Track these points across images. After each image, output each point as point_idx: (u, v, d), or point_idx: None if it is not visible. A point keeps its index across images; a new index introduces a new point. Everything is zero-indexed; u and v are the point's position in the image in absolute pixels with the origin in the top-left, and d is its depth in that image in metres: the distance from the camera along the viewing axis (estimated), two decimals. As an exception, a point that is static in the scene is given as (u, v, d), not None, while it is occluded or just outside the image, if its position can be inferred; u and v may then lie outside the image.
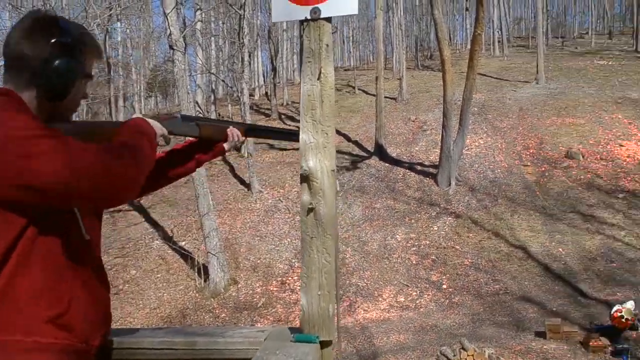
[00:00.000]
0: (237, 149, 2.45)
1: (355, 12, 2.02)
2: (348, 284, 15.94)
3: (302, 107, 2.00)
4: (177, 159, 2.28)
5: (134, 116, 1.96)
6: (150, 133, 1.90)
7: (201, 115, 26.49)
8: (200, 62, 30.08)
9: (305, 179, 1.96)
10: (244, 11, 23.20)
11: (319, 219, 1.93)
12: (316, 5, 1.96)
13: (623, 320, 11.04)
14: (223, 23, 39.66)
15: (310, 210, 1.91)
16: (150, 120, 1.97)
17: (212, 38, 38.60)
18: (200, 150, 2.29)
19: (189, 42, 28.96)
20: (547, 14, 58.90)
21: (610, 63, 40.41)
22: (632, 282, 14.08)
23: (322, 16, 2.02)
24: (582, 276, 14.95)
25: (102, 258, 1.91)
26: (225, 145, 2.28)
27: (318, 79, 1.92)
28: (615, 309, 11.29)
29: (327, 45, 2.00)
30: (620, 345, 10.80)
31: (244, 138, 2.29)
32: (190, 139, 2.27)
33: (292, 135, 2.30)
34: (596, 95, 30.09)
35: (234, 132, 2.25)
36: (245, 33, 24.02)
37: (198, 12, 27.61)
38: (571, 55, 46.28)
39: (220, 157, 26.45)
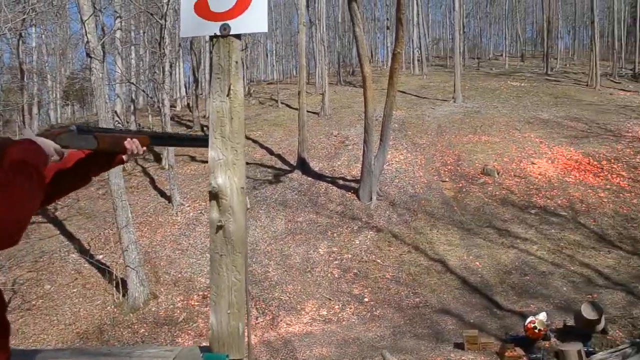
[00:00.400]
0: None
1: (265, 30, 2.01)
2: (270, 298, 15.83)
3: (211, 123, 1.97)
4: (73, 172, 2.11)
5: (24, 135, 1.78)
6: (35, 163, 1.66)
7: (120, 126, 25.82)
8: (120, 71, 29.31)
9: (214, 196, 1.92)
10: (165, 21, 22.81)
11: (228, 237, 1.88)
12: (226, 22, 1.92)
13: (536, 330, 11.48)
14: (144, 32, 38.87)
15: (220, 227, 1.87)
16: (41, 140, 1.81)
17: (133, 47, 37.74)
18: (97, 162, 2.14)
19: (108, 51, 28.18)
20: (464, 35, 61.18)
21: (522, 84, 42.35)
22: (545, 294, 14.69)
23: (231, 33, 1.97)
24: (497, 289, 15.45)
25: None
26: (125, 157, 2.14)
27: (227, 95, 1.90)
28: (528, 320, 11.73)
29: (237, 62, 1.97)
30: (534, 355, 11.22)
31: (144, 149, 2.16)
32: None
33: (199, 141, 2.19)
34: (509, 114, 31.43)
35: (132, 144, 2.10)
36: (167, 43, 23.62)
37: (117, 20, 26.93)
38: (486, 76, 48.20)
39: (140, 169, 25.81)
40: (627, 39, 65.02)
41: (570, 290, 14.80)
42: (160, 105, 24.57)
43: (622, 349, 11.07)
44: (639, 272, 15.71)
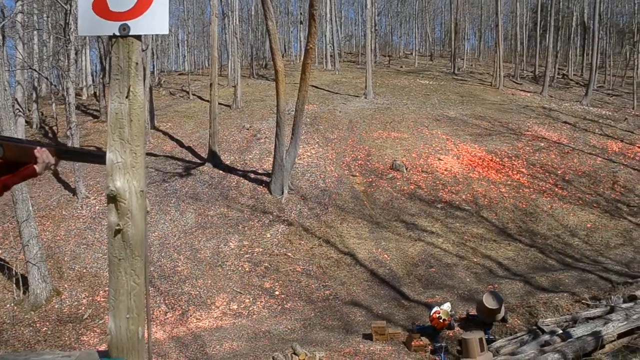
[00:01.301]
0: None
1: (166, 32, 1.95)
2: (180, 293, 15.55)
3: (109, 125, 1.89)
4: None
5: None
6: None
7: (21, 114, 24.49)
8: (21, 57, 27.78)
9: (112, 199, 1.85)
10: (71, 6, 21.75)
11: (127, 241, 1.82)
12: (125, 22, 1.83)
13: (441, 320, 11.90)
14: (47, 17, 37.03)
15: (118, 231, 1.81)
16: None
17: (35, 32, 35.86)
18: (4, 172, 2.02)
19: (8, 34, 26.65)
20: (376, 33, 62.23)
21: (431, 83, 43.66)
22: (449, 285, 15.24)
23: (131, 33, 1.89)
24: (405, 280, 15.88)
25: None
26: (37, 167, 2.04)
27: (127, 97, 1.82)
28: (433, 310, 12.14)
29: (137, 63, 1.89)
30: (438, 344, 11.62)
31: (54, 159, 2.05)
32: None
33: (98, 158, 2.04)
34: (418, 111, 32.32)
35: (43, 154, 2.01)
36: (72, 29, 22.53)
37: (19, 3, 25.45)
38: (397, 74, 49.30)
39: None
40: (528, 42, 68.33)
41: (473, 281, 15.44)
42: (65, 93, 23.49)
43: (520, 336, 11.68)
44: (536, 263, 16.62)
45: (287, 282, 16.00)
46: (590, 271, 15.18)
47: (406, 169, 23.42)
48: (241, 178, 22.19)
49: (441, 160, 24.65)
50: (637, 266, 15.77)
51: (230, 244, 17.90)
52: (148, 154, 25.28)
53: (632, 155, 26.17)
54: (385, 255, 17.22)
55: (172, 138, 27.42)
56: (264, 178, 21.82)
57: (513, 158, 25.30)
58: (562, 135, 29.09)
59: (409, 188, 21.83)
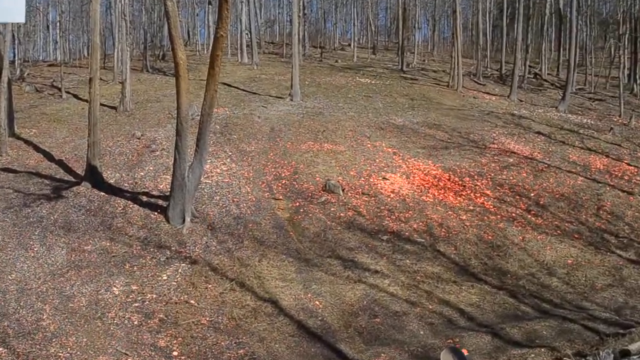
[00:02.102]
0: None
1: (22, 20, 1.79)
2: (45, 355, 14.90)
3: None
4: None
5: None
6: None
7: None
8: None
9: None
10: None
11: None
12: None
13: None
14: None
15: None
16: None
17: None
18: None
19: None
20: (305, 18, 62.76)
21: (373, 82, 44.30)
22: (398, 340, 15.20)
23: None
24: (342, 334, 15.77)
25: None
26: None
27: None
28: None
29: None
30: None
31: None
32: None
33: None
34: (358, 118, 32.63)
35: None
36: None
37: None
38: (331, 70, 49.79)
39: None
40: (493, 33, 70.47)
41: (428, 334, 15.48)
42: None
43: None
44: (507, 310, 16.86)
45: (188, 339, 15.62)
46: (572, 320, 15.49)
47: (343, 190, 23.48)
48: (130, 202, 21.69)
49: (387, 179, 24.86)
50: (630, 313, 16.23)
51: (114, 289, 17.37)
52: (4, 170, 24.40)
53: (619, 174, 27.22)
54: (317, 302, 17.10)
55: (37, 149, 26.57)
56: (160, 202, 21.40)
57: (476, 177, 25.82)
58: (535, 148, 29.98)
59: (347, 215, 21.88)
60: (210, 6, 59.86)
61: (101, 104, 25.94)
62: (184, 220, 20.11)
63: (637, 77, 50.13)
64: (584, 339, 14.19)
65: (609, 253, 20.41)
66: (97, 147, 23.54)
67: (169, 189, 20.83)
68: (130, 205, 21.53)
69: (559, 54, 60.86)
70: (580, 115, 38.70)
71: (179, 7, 67.22)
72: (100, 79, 26.28)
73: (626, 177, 26.86)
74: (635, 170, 27.83)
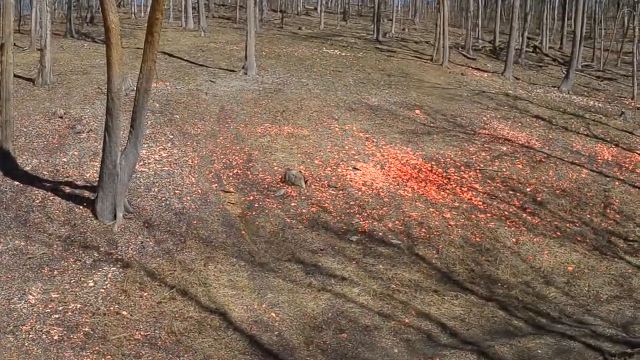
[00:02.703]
0: None
1: None
2: (-58, 380, 14.87)
3: None
4: None
5: None
6: None
7: None
8: None
9: None
10: None
11: None
12: None
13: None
14: None
15: None
16: None
17: None
18: None
19: None
20: (263, -25, 62.62)
21: (343, 54, 44.46)
22: (368, 359, 15.38)
23: None
24: (302, 352, 15.89)
25: None
26: None
27: None
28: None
29: None
30: None
31: None
32: None
33: None
34: (324, 96, 32.75)
35: None
36: None
37: None
38: (293, 39, 49.82)
39: None
40: (485, -1, 70.97)
41: (404, 352, 15.67)
42: None
43: None
44: (496, 324, 17.08)
45: (119, 357, 15.65)
46: (573, 337, 15.73)
47: (306, 182, 23.60)
48: (49, 193, 21.55)
49: (357, 170, 25.02)
50: (639, 329, 16.51)
51: (30, 297, 17.32)
52: None
53: (631, 166, 27.70)
54: (273, 314, 17.22)
55: None
56: (86, 194, 21.30)
57: (462, 168, 26.11)
58: (533, 135, 30.37)
59: (310, 211, 21.99)
60: (148, -41, 59.51)
61: (15, 75, 25.73)
62: (115, 216, 20.02)
63: (654, 52, 50.89)
64: (585, 359, 14.45)
65: (616, 259, 20.70)
66: (9, 127, 23.31)
67: (97, 178, 20.73)
68: (51, 198, 21.38)
69: (563, 23, 61.61)
70: (587, 97, 39.27)
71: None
72: (15, 44, 26.08)
73: (638, 171, 27.33)
74: (649, 162, 28.34)
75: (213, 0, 68.70)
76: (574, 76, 41.42)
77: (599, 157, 28.39)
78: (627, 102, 38.57)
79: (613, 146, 29.87)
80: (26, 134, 25.65)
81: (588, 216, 23.36)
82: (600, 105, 37.30)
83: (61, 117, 27.55)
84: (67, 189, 21.83)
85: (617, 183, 25.88)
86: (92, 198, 20.71)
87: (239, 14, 59.62)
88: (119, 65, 19.78)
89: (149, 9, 21.45)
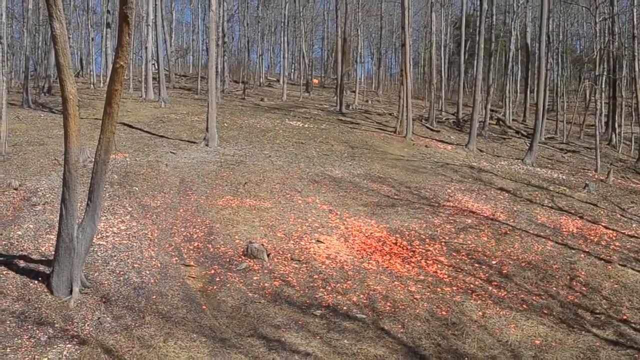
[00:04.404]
0: None
1: None
2: None
3: None
4: None
5: None
6: None
7: None
8: None
9: None
10: None
11: None
12: None
13: None
14: None
15: None
16: None
17: None
18: None
19: None
20: (225, 47, 63.32)
21: (306, 126, 44.83)
22: None
23: None
24: None
25: None
26: None
27: None
28: None
29: None
30: None
31: None
32: None
33: None
34: (287, 168, 32.91)
35: None
36: None
37: None
38: (255, 110, 50.20)
39: None
40: (449, 70, 72.27)
41: None
42: None
43: None
44: (462, 401, 17.08)
45: None
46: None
47: (268, 255, 23.56)
48: (3, 267, 21.29)
49: (321, 242, 25.03)
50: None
51: (-20, 376, 17.01)
52: None
53: (596, 239, 28.00)
54: (235, 392, 17.05)
55: None
56: (42, 268, 21.08)
57: (427, 241, 26.22)
58: (498, 208, 30.66)
59: (273, 285, 21.91)
60: (108, 29, 59.98)
61: (-30, 147, 25.60)
62: (71, 291, 19.78)
63: (616, 125, 51.89)
64: None
65: (583, 332, 20.80)
66: (-37, 199, 23.19)
67: (53, 252, 20.54)
68: (4, 272, 21.12)
69: (525, 96, 62.76)
70: (550, 169, 39.81)
71: (70, 30, 67.07)
72: (-30, 115, 25.98)
73: (603, 243, 27.64)
74: (614, 234, 28.67)
75: (174, 71, 69.13)
76: (538, 148, 42.08)
77: (564, 230, 28.69)
78: (590, 175, 39.19)
79: (578, 218, 30.23)
80: (-20, 207, 25.44)
81: (554, 289, 23.50)
82: (564, 177, 37.84)
83: (16, 189, 27.39)
84: (22, 263, 21.59)
85: (582, 255, 26.12)
86: (48, 272, 20.48)
87: (200, 84, 60.05)
88: (76, 137, 19.72)
89: (108, 80, 21.50)
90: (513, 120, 58.93)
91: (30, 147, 33.47)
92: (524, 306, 22.03)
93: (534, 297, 22.69)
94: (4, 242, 23.07)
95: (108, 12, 60.26)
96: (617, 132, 51.58)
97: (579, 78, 67.50)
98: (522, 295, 22.77)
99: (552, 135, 53.12)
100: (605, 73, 51.81)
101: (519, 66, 70.64)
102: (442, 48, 64.73)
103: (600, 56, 49.89)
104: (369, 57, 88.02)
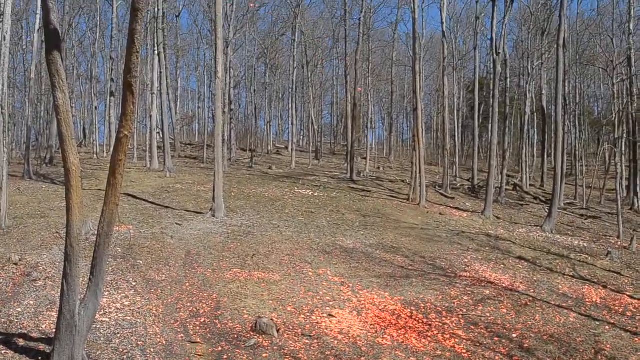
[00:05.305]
0: None
1: None
2: None
3: None
4: None
5: None
6: None
7: None
8: None
9: None
10: None
11: None
12: None
13: None
14: None
15: None
16: None
17: None
18: None
19: None
20: (231, 114, 63.75)
21: (316, 194, 44.82)
22: None
23: None
24: None
25: None
26: None
27: None
28: None
29: None
30: None
31: None
32: None
33: None
34: (297, 239, 32.81)
35: None
36: None
37: None
38: (263, 178, 50.29)
39: None
40: (462, 135, 72.44)
41: None
42: None
43: None
44: None
45: None
46: None
47: (278, 331, 23.35)
48: (2, 346, 21.15)
49: (333, 317, 24.82)
50: None
51: None
52: None
53: (621, 309, 27.67)
54: None
55: None
56: (42, 347, 20.93)
57: (444, 313, 25.97)
58: (517, 277, 30.42)
59: (283, 363, 21.70)
60: (112, 98, 60.52)
61: (-31, 221, 25.60)
62: (73, 371, 19.64)
63: (638, 189, 51.73)
64: None
65: (611, 409, 20.54)
66: (-39, 275, 23.12)
67: (54, 330, 20.40)
68: (3, 351, 20.98)
69: (543, 160, 62.75)
70: (571, 237, 39.59)
71: (73, 99, 67.72)
72: (-31, 188, 26.05)
73: (629, 313, 27.32)
74: (640, 304, 28.38)
75: (179, 139, 69.58)
76: (557, 214, 41.93)
77: (587, 300, 28.40)
78: (613, 241, 38.94)
79: (601, 288, 29.94)
80: (-22, 283, 25.37)
81: (579, 363, 23.19)
82: (585, 244, 37.62)
83: (16, 264, 27.33)
84: (21, 342, 21.43)
85: (607, 327, 25.80)
86: (48, 351, 20.31)
87: (207, 153, 60.36)
88: (79, 209, 19.70)
89: (112, 150, 21.54)
90: (530, 185, 58.93)
91: (31, 219, 33.51)
92: (548, 382, 21.72)
93: (558, 373, 22.36)
94: (3, 320, 22.95)
95: (112, 80, 60.86)
96: (639, 196, 51.47)
97: (598, 141, 67.60)
98: (544, 370, 22.45)
99: (572, 201, 53.02)
100: (625, 135, 51.88)
101: (535, 129, 70.84)
102: (455, 112, 64.99)
103: (619, 118, 50.05)
104: (380, 122, 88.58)
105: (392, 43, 69.95)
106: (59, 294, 20.19)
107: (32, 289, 25.31)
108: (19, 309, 23.71)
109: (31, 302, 24.22)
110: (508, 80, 63.40)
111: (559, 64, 43.38)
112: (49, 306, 23.42)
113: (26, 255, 28.22)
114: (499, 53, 49.19)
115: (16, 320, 22.95)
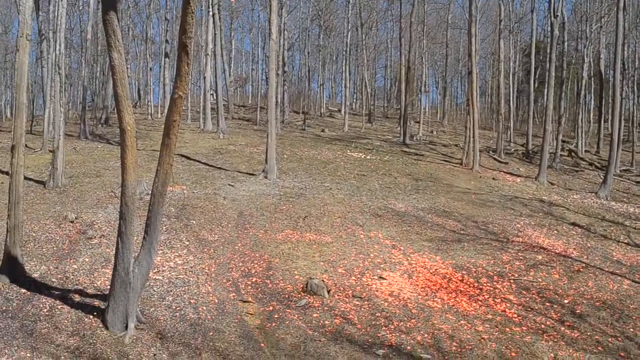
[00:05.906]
0: None
1: None
2: None
3: None
4: None
5: None
6: None
7: None
8: None
9: None
10: None
11: None
12: None
13: None
14: None
15: None
16: None
17: None
18: None
19: None
20: (285, 77, 63.68)
21: (368, 157, 44.72)
22: None
23: None
24: None
25: None
26: None
27: None
28: None
29: None
30: None
31: None
32: None
33: None
34: (348, 202, 32.82)
35: None
36: None
37: None
38: (316, 141, 50.25)
39: None
40: (517, 100, 71.59)
41: None
42: None
43: None
44: None
45: None
46: None
47: (329, 292, 23.45)
48: (58, 302, 21.49)
49: (384, 279, 24.86)
50: None
51: (35, 413, 17.15)
52: None
53: (675, 277, 27.37)
54: None
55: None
56: (97, 303, 21.23)
57: (495, 278, 25.89)
58: (570, 244, 30.18)
59: (333, 323, 21.78)
60: (167, 59, 60.73)
61: (26, 178, 25.97)
62: (126, 327, 19.86)
63: (697, 156, 50.86)
64: None
65: (663, 376, 20.37)
66: (18, 232, 23.41)
67: (109, 287, 20.66)
68: (59, 306, 21.30)
69: (599, 126, 61.83)
70: (626, 203, 39.12)
71: (129, 60, 67.97)
72: (26, 146, 26.44)
73: (684, 282, 27.03)
74: (696, 272, 28.02)
75: (232, 101, 69.67)
76: (612, 181, 41.43)
77: (642, 267, 28.13)
78: (669, 209, 38.42)
79: (656, 255, 29.61)
80: (35, 239, 25.76)
81: (632, 330, 22.97)
82: (641, 211, 37.17)
83: (72, 222, 27.70)
84: (77, 298, 21.78)
85: (661, 295, 25.55)
86: (103, 307, 20.62)
87: (260, 115, 60.43)
88: (133, 169, 19.88)
89: (166, 111, 21.65)
90: (586, 151, 58.18)
91: (86, 179, 33.89)
92: (599, 348, 21.55)
93: (610, 339, 22.19)
94: (59, 276, 23.33)
95: (166, 41, 60.98)
96: (697, 163, 50.73)
97: (656, 107, 66.35)
98: (596, 337, 22.28)
99: (628, 167, 52.27)
100: (684, 101, 51.01)
101: (592, 95, 69.84)
102: (511, 76, 64.20)
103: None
104: (434, 86, 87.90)
105: (447, 5, 69.23)
106: (114, 251, 20.47)
107: (87, 246, 25.67)
108: (75, 266, 24.08)
109: (86, 259, 24.58)
110: (565, 44, 62.46)
111: (618, 27, 42.64)
112: (104, 263, 23.76)
113: (82, 213, 28.59)
114: (557, 16, 48.51)
115: (72, 277, 23.31)
